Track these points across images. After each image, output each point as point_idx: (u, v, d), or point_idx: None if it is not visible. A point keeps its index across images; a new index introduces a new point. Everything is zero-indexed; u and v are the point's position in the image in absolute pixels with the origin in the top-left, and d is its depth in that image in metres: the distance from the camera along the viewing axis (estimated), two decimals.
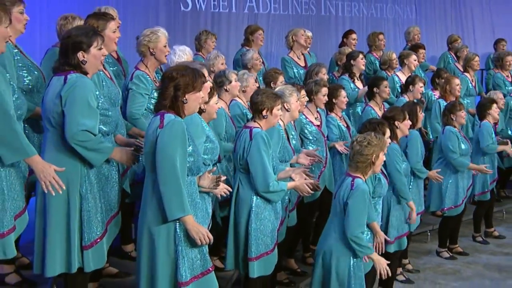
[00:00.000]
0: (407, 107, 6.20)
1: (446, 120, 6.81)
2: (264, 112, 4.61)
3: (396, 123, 5.62)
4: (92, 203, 3.89)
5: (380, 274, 4.44)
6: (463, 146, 6.78)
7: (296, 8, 9.69)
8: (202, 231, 3.65)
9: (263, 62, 7.34)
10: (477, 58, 9.14)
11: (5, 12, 3.56)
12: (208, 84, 4.34)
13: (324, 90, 6.07)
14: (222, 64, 6.25)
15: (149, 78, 5.03)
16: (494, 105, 7.39)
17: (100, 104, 3.90)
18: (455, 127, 6.75)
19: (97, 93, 3.90)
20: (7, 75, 3.72)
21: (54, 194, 3.60)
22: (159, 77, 5.23)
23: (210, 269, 3.81)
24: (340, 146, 6.19)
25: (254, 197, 4.60)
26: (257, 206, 4.59)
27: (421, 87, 7.36)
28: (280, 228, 5.03)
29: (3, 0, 3.95)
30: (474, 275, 6.74)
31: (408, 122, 5.78)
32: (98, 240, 3.93)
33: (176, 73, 3.70)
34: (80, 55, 3.81)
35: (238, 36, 8.58)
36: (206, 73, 4.42)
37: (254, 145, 4.49)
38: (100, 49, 3.93)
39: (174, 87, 3.68)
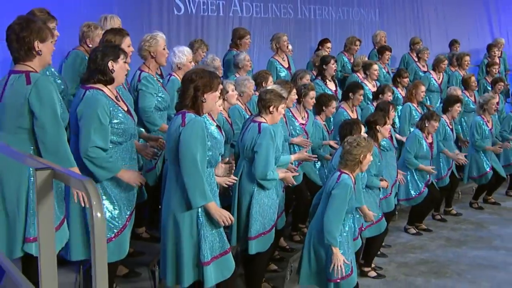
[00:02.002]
0: (381, 105, 6.42)
1: (420, 124, 7.02)
2: (271, 109, 4.73)
3: (378, 127, 5.77)
4: (108, 202, 3.86)
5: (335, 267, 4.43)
6: (424, 149, 6.99)
7: (276, 11, 9.71)
8: (224, 214, 3.80)
9: None
10: (446, 61, 9.42)
11: (49, 29, 3.57)
12: (234, 93, 4.49)
13: (312, 94, 6.22)
14: (219, 65, 6.34)
15: (154, 78, 5.06)
16: (458, 104, 7.66)
17: (118, 118, 3.82)
18: (423, 132, 7.00)
19: (111, 108, 3.78)
20: None
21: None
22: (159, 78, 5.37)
23: (228, 250, 3.93)
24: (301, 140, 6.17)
25: (256, 184, 4.70)
26: (258, 192, 4.70)
27: (389, 96, 7.38)
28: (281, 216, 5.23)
29: (39, 18, 3.93)
30: (438, 248, 6.95)
31: (388, 127, 5.93)
32: (114, 237, 3.89)
33: (195, 76, 3.78)
34: (110, 63, 3.80)
35: (225, 37, 8.63)
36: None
37: (262, 138, 4.57)
38: (125, 62, 3.93)
39: (194, 88, 3.75)
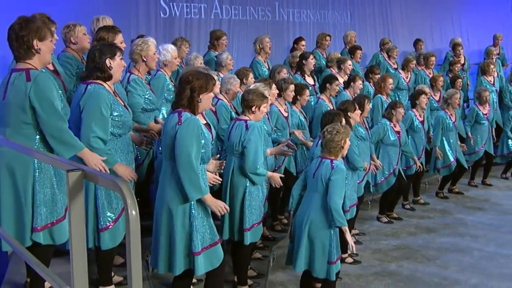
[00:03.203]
0: (357, 99, 6.54)
1: (387, 114, 7.16)
2: (253, 109, 4.78)
3: (349, 113, 5.90)
4: (103, 192, 3.90)
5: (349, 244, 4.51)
6: (391, 138, 7.13)
7: (254, 14, 9.78)
8: (220, 205, 3.86)
9: None
10: (414, 61, 9.58)
11: (48, 28, 3.58)
12: (217, 84, 4.49)
13: (292, 87, 6.29)
14: (201, 63, 6.34)
15: (143, 81, 5.04)
16: (423, 95, 7.84)
17: (117, 110, 3.87)
18: (391, 121, 7.14)
19: (111, 102, 3.84)
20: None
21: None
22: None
23: (217, 241, 3.96)
24: (299, 134, 6.40)
25: (248, 178, 4.74)
26: (250, 186, 4.76)
27: (360, 84, 7.54)
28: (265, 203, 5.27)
29: (39, 18, 3.96)
30: (408, 235, 7.07)
31: (358, 112, 6.06)
32: (113, 223, 3.95)
33: (192, 77, 3.80)
34: (107, 61, 3.83)
35: (206, 38, 8.59)
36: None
37: (250, 133, 4.63)
38: (122, 59, 3.96)
39: (190, 89, 3.77)
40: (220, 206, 3.87)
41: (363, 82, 7.81)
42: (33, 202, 3.47)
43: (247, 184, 4.76)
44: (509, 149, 9.55)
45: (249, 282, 5.22)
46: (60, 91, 3.64)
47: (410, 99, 7.87)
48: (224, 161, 4.42)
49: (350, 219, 5.95)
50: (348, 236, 4.47)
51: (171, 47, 5.71)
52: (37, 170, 3.50)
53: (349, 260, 6.12)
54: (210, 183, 4.23)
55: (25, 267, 4.02)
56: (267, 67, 7.97)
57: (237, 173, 4.79)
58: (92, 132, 3.69)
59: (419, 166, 7.62)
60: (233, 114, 5.67)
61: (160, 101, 5.49)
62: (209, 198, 3.82)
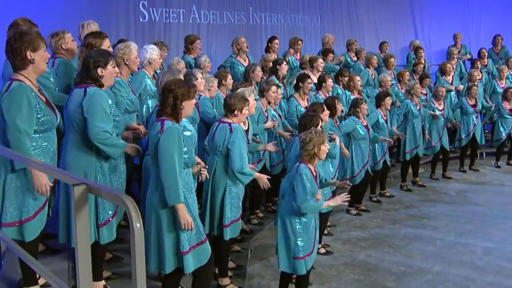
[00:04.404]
0: (328, 100, 6.64)
1: (353, 112, 7.29)
2: (235, 112, 4.85)
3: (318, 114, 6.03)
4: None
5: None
6: (361, 132, 7.26)
7: (230, 18, 9.83)
8: (188, 220, 3.78)
9: None
10: (375, 57, 9.79)
11: (41, 39, 3.63)
12: (202, 81, 4.54)
13: (274, 88, 6.38)
14: (183, 67, 6.34)
15: (126, 83, 5.01)
16: (388, 97, 8.00)
17: (112, 111, 3.96)
18: (359, 117, 7.28)
19: (110, 102, 3.96)
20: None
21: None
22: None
23: (204, 240, 3.99)
24: (272, 124, 6.37)
25: (228, 178, 4.82)
26: (230, 184, 4.83)
27: (330, 82, 7.67)
28: None
29: (33, 30, 3.99)
30: (376, 227, 7.23)
31: (327, 112, 6.10)
32: (110, 219, 4.01)
33: (174, 86, 3.82)
34: (99, 70, 3.87)
35: None
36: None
37: (235, 136, 4.69)
38: (114, 66, 4.00)
39: (173, 97, 3.78)
40: (187, 221, 3.80)
41: (332, 80, 7.91)
42: (3, 200, 3.61)
43: (228, 183, 4.83)
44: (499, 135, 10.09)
45: (229, 273, 5.29)
46: (39, 104, 3.67)
47: (376, 100, 8.01)
48: (206, 166, 4.47)
49: (326, 213, 6.08)
50: (333, 201, 4.65)
51: (156, 48, 5.77)
52: (8, 173, 3.62)
53: (322, 250, 6.24)
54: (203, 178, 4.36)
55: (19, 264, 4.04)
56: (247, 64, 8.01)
57: (219, 172, 4.85)
58: (99, 128, 3.76)
59: (390, 141, 7.93)
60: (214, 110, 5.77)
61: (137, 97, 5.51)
62: (181, 208, 3.78)
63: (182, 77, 4.96)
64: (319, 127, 5.30)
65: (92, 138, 3.78)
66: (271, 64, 7.95)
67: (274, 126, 6.39)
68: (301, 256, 4.58)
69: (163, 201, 3.78)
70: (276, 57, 8.33)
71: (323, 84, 7.66)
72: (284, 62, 7.89)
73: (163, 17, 8.66)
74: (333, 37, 10.21)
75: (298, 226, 4.60)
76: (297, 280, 4.78)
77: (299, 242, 4.58)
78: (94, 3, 7.79)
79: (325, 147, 4.64)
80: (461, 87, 10.42)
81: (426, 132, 9.03)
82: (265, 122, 6.34)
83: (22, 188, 3.67)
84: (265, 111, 6.43)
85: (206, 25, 9.51)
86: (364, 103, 7.32)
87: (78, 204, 1.64)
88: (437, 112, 9.06)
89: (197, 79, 5.40)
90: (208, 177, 4.68)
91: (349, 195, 4.72)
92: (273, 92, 6.39)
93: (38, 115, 3.65)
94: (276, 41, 9.11)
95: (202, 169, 4.41)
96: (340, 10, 11.89)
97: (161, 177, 3.71)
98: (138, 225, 1.50)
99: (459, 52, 12.07)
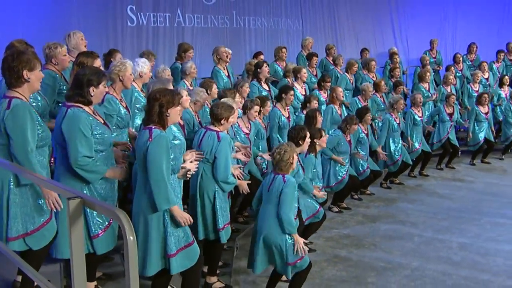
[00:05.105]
0: (309, 113, 6.70)
1: (344, 126, 7.34)
2: (222, 121, 4.86)
3: (316, 140, 5.98)
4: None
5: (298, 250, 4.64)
6: (344, 148, 7.34)
7: (214, 22, 9.83)
8: (185, 216, 3.90)
9: None
10: (356, 64, 9.87)
11: (37, 59, 3.67)
12: (188, 98, 4.56)
13: (256, 108, 6.27)
14: (169, 75, 6.35)
15: (116, 100, 4.95)
16: (368, 114, 8.01)
17: (96, 130, 3.87)
18: (344, 133, 7.33)
19: (91, 122, 3.83)
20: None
21: (54, 210, 3.73)
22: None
23: (192, 242, 4.04)
24: (241, 156, 5.91)
25: (217, 185, 4.83)
26: (219, 190, 4.85)
27: (315, 103, 7.65)
28: None
29: (29, 50, 4.01)
30: (357, 224, 7.30)
31: (325, 138, 6.19)
32: (102, 232, 3.98)
33: (159, 94, 3.85)
34: (91, 90, 3.83)
35: (170, 45, 8.71)
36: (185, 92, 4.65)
37: (222, 146, 4.73)
38: (105, 86, 3.98)
39: (159, 106, 3.82)
40: (185, 218, 3.90)
41: (318, 100, 7.95)
42: (7, 214, 3.56)
43: (216, 189, 4.85)
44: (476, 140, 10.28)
45: (217, 271, 5.32)
46: (38, 120, 3.68)
47: (357, 116, 7.97)
48: (190, 170, 4.47)
49: (316, 222, 6.09)
50: (299, 242, 4.62)
51: (147, 62, 5.70)
52: (11, 184, 3.59)
53: (306, 248, 6.28)
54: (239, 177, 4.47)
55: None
56: (227, 74, 8.03)
57: (206, 178, 4.86)
58: (79, 153, 3.72)
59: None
60: (196, 121, 5.74)
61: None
62: (176, 209, 3.87)
63: (171, 86, 4.96)
64: (307, 139, 5.42)
65: (72, 163, 3.74)
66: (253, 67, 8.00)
67: (246, 160, 6.09)
68: (291, 262, 4.64)
69: (152, 205, 3.80)
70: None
71: (308, 104, 7.62)
72: (265, 64, 7.96)
73: (150, 21, 8.65)
74: (312, 41, 10.27)
75: (289, 241, 4.62)
76: (295, 277, 4.81)
77: (288, 253, 4.62)
78: (84, 9, 7.76)
79: (296, 157, 4.80)
80: (435, 96, 10.55)
81: (409, 138, 9.12)
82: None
83: (27, 202, 3.64)
84: (246, 128, 6.32)
85: (190, 29, 9.50)
86: (356, 124, 7.39)
87: (73, 217, 1.67)
88: (417, 118, 9.17)
89: (182, 97, 5.25)
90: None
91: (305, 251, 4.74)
92: (255, 111, 6.30)
93: (38, 131, 3.67)
94: (262, 56, 9.17)
95: (188, 173, 4.42)
96: (322, 14, 11.93)
97: (151, 183, 3.74)
98: (131, 238, 1.53)
99: (434, 57, 12.23)
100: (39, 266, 3.74)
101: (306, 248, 4.70)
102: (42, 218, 3.74)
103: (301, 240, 4.66)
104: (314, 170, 6.12)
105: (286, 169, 4.70)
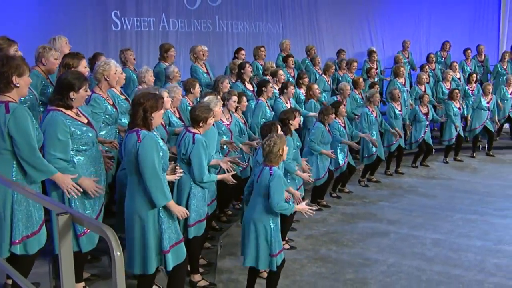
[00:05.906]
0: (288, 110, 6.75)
1: (321, 118, 7.40)
2: (200, 123, 4.87)
3: (290, 121, 6.08)
4: (79, 202, 3.92)
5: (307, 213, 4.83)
6: (327, 139, 7.38)
7: (197, 26, 9.85)
8: (182, 210, 4.03)
9: None
10: (333, 67, 9.96)
11: (26, 65, 3.64)
12: (169, 99, 4.55)
13: (234, 98, 6.38)
14: (151, 76, 6.28)
15: (102, 99, 4.95)
16: (341, 106, 8.08)
17: (79, 130, 3.88)
18: (324, 124, 7.40)
19: (70, 126, 3.83)
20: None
21: (76, 196, 3.78)
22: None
23: (181, 239, 4.13)
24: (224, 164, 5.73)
25: (192, 181, 4.85)
26: (194, 187, 4.87)
27: (292, 89, 7.82)
28: (211, 204, 5.41)
29: (18, 56, 3.97)
30: (336, 222, 7.36)
31: (298, 119, 6.24)
32: (87, 230, 3.95)
33: (143, 99, 3.88)
34: (71, 94, 3.84)
35: (155, 49, 8.63)
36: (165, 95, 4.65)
37: (196, 148, 4.73)
38: (86, 91, 3.96)
39: (143, 110, 3.85)
40: (182, 211, 4.04)
41: (294, 87, 8.11)
42: (11, 220, 3.53)
43: (192, 187, 4.87)
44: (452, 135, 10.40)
45: (201, 270, 5.37)
46: (34, 121, 3.66)
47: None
48: (178, 165, 4.50)
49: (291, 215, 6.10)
50: (301, 208, 4.81)
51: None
52: (15, 192, 3.55)
53: (286, 246, 6.34)
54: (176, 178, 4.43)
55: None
56: (205, 71, 8.05)
57: (183, 177, 4.84)
58: (52, 156, 3.74)
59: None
60: (176, 118, 5.78)
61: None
62: (172, 204, 3.98)
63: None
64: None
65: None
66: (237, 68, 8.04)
67: (232, 148, 6.23)
68: (275, 253, 4.70)
69: (146, 204, 3.87)
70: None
71: (285, 90, 7.84)
72: (247, 65, 8.01)
73: (134, 26, 8.65)
74: (290, 42, 10.32)
75: (272, 226, 4.69)
76: (269, 275, 4.89)
77: (273, 240, 4.68)
78: (68, 13, 7.71)
79: (287, 148, 4.82)
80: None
81: (391, 130, 9.21)
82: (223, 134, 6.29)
83: (27, 205, 3.61)
84: (226, 119, 6.38)
85: (174, 33, 9.50)
86: (332, 113, 7.46)
87: (62, 232, 1.69)
88: (397, 113, 9.28)
89: (164, 100, 5.35)
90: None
91: (313, 211, 4.94)
92: (234, 102, 6.38)
93: (36, 132, 3.65)
94: (243, 52, 9.23)
95: (176, 167, 4.45)
96: (302, 18, 11.98)
97: (146, 181, 3.79)
98: (118, 253, 1.56)
99: (407, 57, 12.39)
100: (29, 272, 3.73)
101: (314, 208, 4.83)
102: (40, 220, 3.73)
103: (303, 206, 4.84)
104: (294, 150, 6.14)
105: (276, 161, 4.72)
